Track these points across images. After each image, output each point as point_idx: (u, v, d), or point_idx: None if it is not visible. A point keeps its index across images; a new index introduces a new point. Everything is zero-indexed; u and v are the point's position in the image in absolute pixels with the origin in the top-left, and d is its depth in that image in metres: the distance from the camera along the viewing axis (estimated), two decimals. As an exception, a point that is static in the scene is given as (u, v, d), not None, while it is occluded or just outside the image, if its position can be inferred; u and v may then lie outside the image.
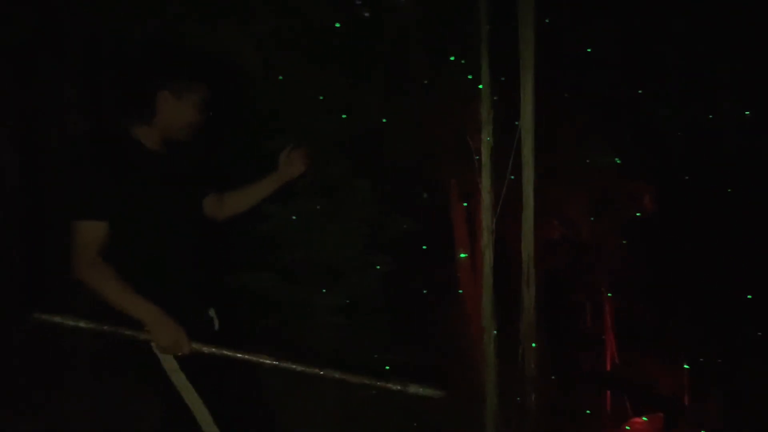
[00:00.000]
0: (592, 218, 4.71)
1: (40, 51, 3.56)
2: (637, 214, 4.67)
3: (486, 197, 2.94)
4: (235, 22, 3.49)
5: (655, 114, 4.43)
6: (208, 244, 2.35)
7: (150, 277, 2.18)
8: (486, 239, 2.91)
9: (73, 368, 3.62)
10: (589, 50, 4.34)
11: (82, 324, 2.13)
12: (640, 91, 4.42)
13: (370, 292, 3.55)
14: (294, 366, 2.20)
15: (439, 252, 4.24)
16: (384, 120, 3.71)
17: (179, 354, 2.14)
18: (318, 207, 3.31)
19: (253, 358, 2.19)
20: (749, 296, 4.23)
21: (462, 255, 4.33)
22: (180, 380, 2.16)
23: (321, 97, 3.59)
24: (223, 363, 2.20)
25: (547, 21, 4.25)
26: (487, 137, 2.90)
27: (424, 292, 4.20)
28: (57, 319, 2.13)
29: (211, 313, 2.37)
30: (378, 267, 3.61)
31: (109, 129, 2.33)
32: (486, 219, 2.93)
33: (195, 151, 2.39)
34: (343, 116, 3.59)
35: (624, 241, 4.69)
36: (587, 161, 4.50)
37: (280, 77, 3.58)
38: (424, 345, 3.77)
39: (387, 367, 3.68)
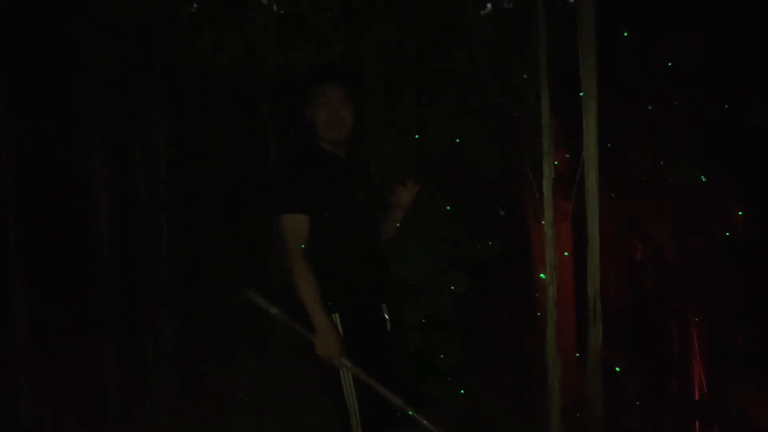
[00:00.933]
0: (677, 238, 4.53)
1: (131, 75, 3.76)
2: (726, 234, 4.45)
3: (548, 231, 2.82)
4: (310, 46, 3.54)
5: (742, 129, 4.23)
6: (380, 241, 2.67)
7: (339, 269, 2.53)
8: (549, 274, 2.80)
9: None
10: (670, 64, 4.19)
11: (273, 310, 2.49)
12: (726, 106, 4.23)
13: (446, 312, 3.49)
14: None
15: (519, 272, 4.16)
16: (457, 140, 3.67)
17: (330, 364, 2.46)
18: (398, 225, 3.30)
19: (390, 397, 2.46)
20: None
21: (541, 276, 4.22)
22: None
23: (392, 116, 3.59)
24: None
25: (626, 34, 4.16)
26: (547, 169, 2.79)
27: (501, 312, 4.11)
28: (257, 298, 2.50)
29: (383, 309, 2.64)
30: (453, 288, 3.56)
31: (301, 144, 2.71)
32: (549, 254, 2.82)
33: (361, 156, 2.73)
34: (416, 136, 3.58)
35: (712, 262, 4.48)
36: (672, 180, 4.34)
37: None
38: (501, 368, 3.68)
39: (462, 392, 3.62)
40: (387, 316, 2.63)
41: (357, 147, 2.71)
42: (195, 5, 3.70)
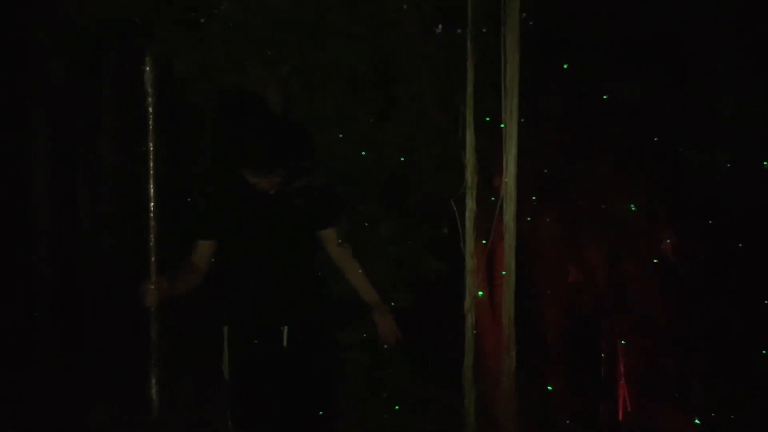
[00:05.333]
0: (609, 264, 4.70)
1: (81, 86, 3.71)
2: (655, 261, 4.65)
3: (469, 261, 2.92)
4: (261, 63, 3.58)
5: (673, 160, 4.45)
6: (298, 271, 2.77)
7: (233, 288, 2.76)
8: (468, 303, 2.89)
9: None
10: (605, 97, 4.38)
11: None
12: (656, 139, 4.44)
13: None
14: None
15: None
16: (402, 159, 3.75)
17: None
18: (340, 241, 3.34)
19: None
20: (764, 351, 4.18)
21: (479, 293, 4.33)
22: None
23: (341, 135, 3.65)
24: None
25: (565, 66, 4.34)
26: (470, 203, 2.88)
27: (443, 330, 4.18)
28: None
29: (283, 332, 2.73)
30: (393, 303, 3.62)
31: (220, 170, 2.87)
32: (469, 284, 2.91)
33: (308, 189, 2.82)
34: (363, 153, 3.64)
35: (641, 287, 4.67)
36: (603, 207, 4.51)
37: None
38: (441, 383, 3.75)
39: (396, 407, 3.66)
40: (286, 341, 2.72)
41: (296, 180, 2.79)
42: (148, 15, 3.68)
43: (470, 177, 2.84)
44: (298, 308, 2.77)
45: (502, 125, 2.87)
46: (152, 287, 2.60)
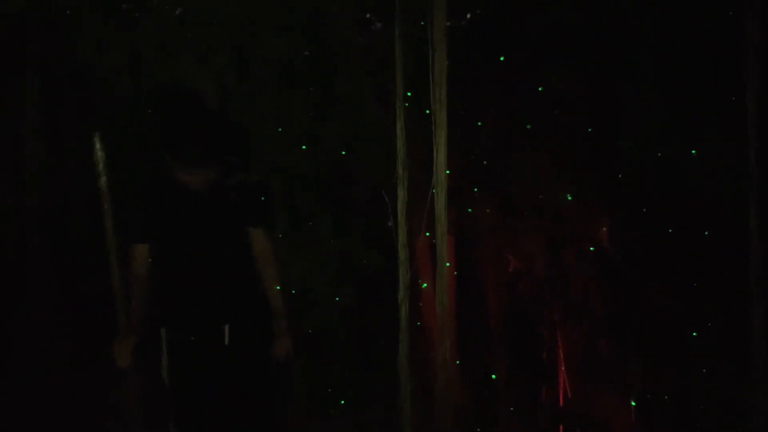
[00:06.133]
0: (546, 253, 4.78)
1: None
2: (592, 249, 4.76)
3: (402, 252, 2.90)
4: (194, 56, 3.50)
5: (608, 150, 4.55)
6: (236, 268, 2.73)
7: (170, 289, 2.70)
8: (402, 294, 2.87)
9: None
10: (540, 89, 4.46)
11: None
12: (590, 130, 4.54)
13: (333, 325, 3.52)
14: None
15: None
16: (343, 153, 3.73)
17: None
18: (280, 236, 3.32)
19: None
20: (694, 334, 4.33)
21: (424, 285, 4.35)
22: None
23: (279, 129, 3.60)
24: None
25: (501, 59, 4.39)
26: (402, 194, 2.88)
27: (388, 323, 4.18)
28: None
29: (225, 328, 2.68)
30: (337, 299, 3.60)
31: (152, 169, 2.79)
32: (402, 274, 2.90)
33: (232, 187, 2.74)
34: (303, 147, 3.61)
35: (579, 275, 4.76)
36: (540, 197, 4.60)
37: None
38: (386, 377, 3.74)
39: (342, 402, 3.66)
40: (227, 339, 2.69)
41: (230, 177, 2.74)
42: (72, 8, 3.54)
43: (401, 167, 2.83)
44: (239, 305, 2.73)
45: (427, 111, 2.87)
46: (124, 346, 2.58)
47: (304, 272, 3.47)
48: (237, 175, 2.71)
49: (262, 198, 2.85)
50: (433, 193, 2.77)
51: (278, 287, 2.82)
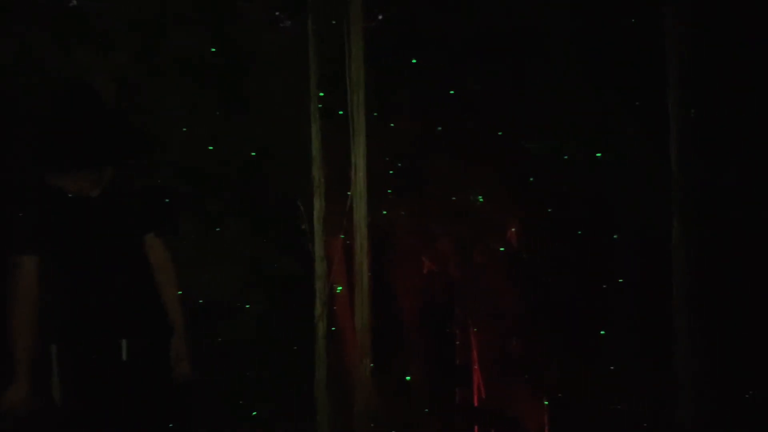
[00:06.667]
0: (459, 254, 4.81)
1: None
2: (502, 249, 4.82)
3: (318, 266, 2.74)
4: (93, 48, 3.28)
5: (518, 153, 4.62)
6: (132, 278, 2.53)
7: (61, 303, 2.44)
8: (319, 311, 2.70)
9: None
10: (452, 92, 4.47)
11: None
12: (502, 132, 4.60)
13: (245, 332, 3.40)
14: None
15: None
16: (253, 153, 3.60)
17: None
18: (191, 239, 3.16)
19: None
20: (602, 332, 4.44)
21: (338, 289, 4.27)
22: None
23: (184, 129, 3.44)
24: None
25: (414, 61, 4.38)
26: (318, 204, 2.72)
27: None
28: None
29: (123, 344, 2.48)
30: (248, 306, 3.48)
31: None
32: (319, 290, 2.73)
33: (126, 192, 2.54)
34: (210, 148, 3.46)
35: (491, 275, 4.81)
36: (453, 199, 4.61)
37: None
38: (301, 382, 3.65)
39: (254, 413, 3.55)
40: (125, 354, 2.51)
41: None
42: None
43: (317, 175, 2.67)
44: (137, 318, 2.56)
45: (341, 111, 2.76)
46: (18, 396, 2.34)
47: (214, 279, 3.32)
48: (131, 179, 2.55)
49: (158, 202, 2.69)
50: (351, 199, 2.62)
51: (177, 300, 2.65)
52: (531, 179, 4.70)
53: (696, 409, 3.00)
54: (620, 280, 4.46)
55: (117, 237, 2.51)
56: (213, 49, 3.49)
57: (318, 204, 2.63)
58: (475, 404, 4.99)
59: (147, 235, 2.58)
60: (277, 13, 3.85)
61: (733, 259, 3.77)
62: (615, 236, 4.37)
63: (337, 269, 4.25)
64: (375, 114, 4.10)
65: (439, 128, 4.53)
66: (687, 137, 3.11)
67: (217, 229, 3.38)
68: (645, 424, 4.16)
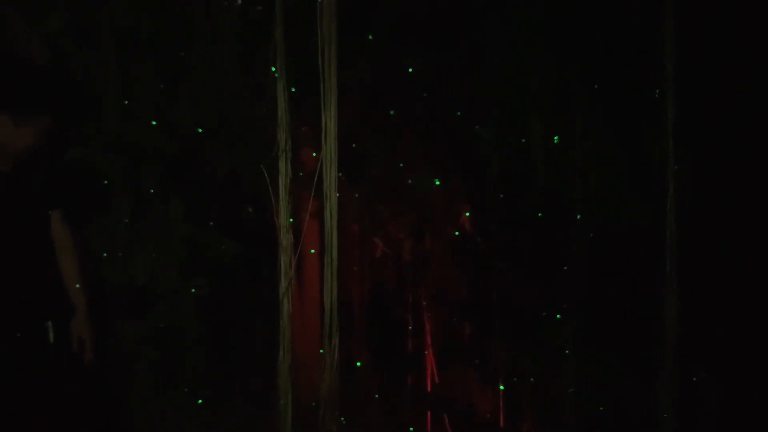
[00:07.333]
0: (412, 237, 4.74)
1: None
2: (456, 233, 4.76)
3: (284, 236, 2.49)
4: (20, 15, 3.06)
5: (473, 136, 4.55)
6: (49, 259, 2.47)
7: None
8: (284, 286, 2.47)
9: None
10: (410, 70, 4.36)
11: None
12: (459, 113, 4.51)
13: (185, 320, 3.25)
14: None
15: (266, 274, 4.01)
16: (200, 130, 3.42)
17: None
18: (126, 222, 3.00)
19: None
20: (558, 316, 4.43)
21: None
22: None
23: (126, 102, 3.25)
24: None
25: (370, 37, 4.24)
26: (284, 168, 2.50)
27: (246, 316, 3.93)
28: None
29: (48, 325, 2.45)
30: (193, 291, 3.33)
31: None
32: (284, 263, 2.51)
33: (40, 167, 2.45)
34: (153, 123, 3.27)
35: (444, 260, 4.76)
36: (409, 182, 4.52)
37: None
38: (246, 373, 3.52)
39: (200, 401, 3.41)
40: (52, 336, 2.48)
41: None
42: None
43: (284, 139, 2.45)
44: (62, 299, 2.42)
45: (293, 89, 2.58)
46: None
47: (151, 262, 3.15)
48: (52, 156, 2.40)
49: (69, 180, 2.57)
50: (319, 163, 2.39)
51: (77, 281, 2.50)
52: (484, 163, 4.65)
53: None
54: (574, 267, 4.44)
55: (28, 215, 2.39)
56: (154, 16, 3.29)
57: (284, 169, 2.41)
58: (428, 390, 4.94)
59: (52, 212, 2.46)
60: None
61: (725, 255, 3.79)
62: (578, 216, 4.32)
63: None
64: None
65: (392, 112, 4.42)
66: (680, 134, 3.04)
67: (155, 209, 3.21)
68: (600, 408, 4.16)
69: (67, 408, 2.43)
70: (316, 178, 2.46)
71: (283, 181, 2.50)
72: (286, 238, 2.54)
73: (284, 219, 2.55)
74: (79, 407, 2.46)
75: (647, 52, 3.19)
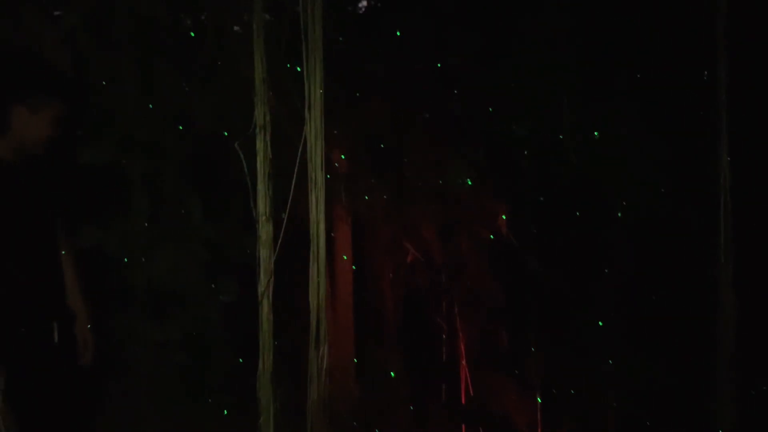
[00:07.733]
0: (446, 240, 4.59)
1: None
2: (491, 236, 4.59)
3: (263, 231, 2.13)
4: (37, 11, 2.98)
5: (507, 135, 4.37)
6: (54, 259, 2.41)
7: None
8: (263, 284, 2.17)
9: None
10: (439, 65, 4.21)
11: None
12: (491, 109, 4.35)
13: (212, 325, 3.13)
14: None
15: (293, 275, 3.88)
16: (226, 133, 3.30)
17: None
18: (146, 225, 2.90)
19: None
20: (600, 323, 4.22)
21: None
22: None
23: (150, 105, 3.15)
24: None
25: (398, 33, 4.12)
26: (262, 144, 2.16)
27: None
28: None
29: (54, 326, 2.41)
30: (221, 297, 3.22)
31: None
32: (264, 257, 2.14)
33: (52, 163, 2.40)
34: (174, 123, 3.17)
35: (479, 263, 4.59)
36: (440, 182, 4.37)
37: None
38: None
39: (225, 412, 3.29)
40: (57, 337, 2.42)
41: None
42: None
43: (260, 113, 2.11)
44: (46, 301, 2.40)
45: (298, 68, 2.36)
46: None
47: (172, 266, 3.04)
48: (66, 156, 2.34)
49: (74, 184, 2.55)
50: (304, 140, 2.04)
51: (77, 284, 2.48)
52: (519, 163, 4.47)
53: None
54: (617, 269, 4.23)
55: (30, 210, 2.36)
56: (174, 17, 3.20)
57: (262, 147, 2.10)
58: (463, 402, 4.77)
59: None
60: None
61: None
62: (618, 215, 4.10)
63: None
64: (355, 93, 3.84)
65: (425, 108, 4.28)
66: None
67: (176, 209, 3.10)
68: (647, 424, 3.93)
69: (67, 408, 2.40)
70: (297, 161, 2.07)
71: (261, 164, 2.18)
72: (265, 230, 2.18)
73: (261, 205, 2.19)
74: (78, 407, 2.44)
75: (695, 31, 2.97)
